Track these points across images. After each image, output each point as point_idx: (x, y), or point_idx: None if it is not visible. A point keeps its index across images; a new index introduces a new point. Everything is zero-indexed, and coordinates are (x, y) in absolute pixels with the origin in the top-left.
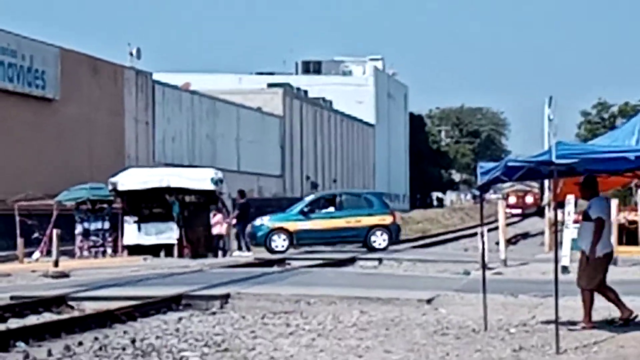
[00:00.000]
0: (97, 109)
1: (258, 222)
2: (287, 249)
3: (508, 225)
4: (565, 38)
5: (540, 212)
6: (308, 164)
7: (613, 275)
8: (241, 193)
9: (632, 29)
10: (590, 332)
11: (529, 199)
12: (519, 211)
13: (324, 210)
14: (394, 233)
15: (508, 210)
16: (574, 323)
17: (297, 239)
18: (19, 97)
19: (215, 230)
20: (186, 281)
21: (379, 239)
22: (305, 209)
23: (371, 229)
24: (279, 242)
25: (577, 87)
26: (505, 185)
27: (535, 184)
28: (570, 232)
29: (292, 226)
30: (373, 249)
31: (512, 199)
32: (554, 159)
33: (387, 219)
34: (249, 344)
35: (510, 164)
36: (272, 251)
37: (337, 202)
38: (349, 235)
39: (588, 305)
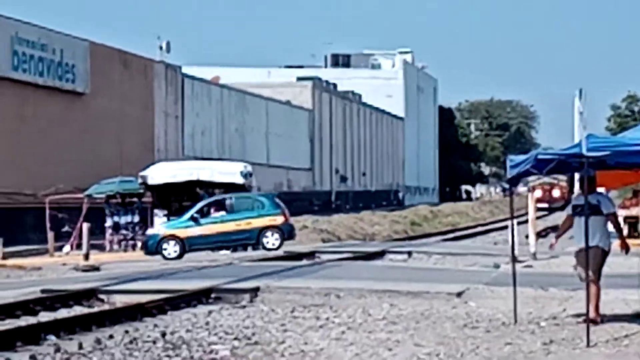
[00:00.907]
0: (126, 103)
1: (150, 231)
2: (180, 255)
3: (538, 218)
4: (596, 31)
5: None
6: (337, 157)
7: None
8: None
9: None
10: (621, 325)
11: (556, 193)
12: (545, 205)
13: (214, 215)
14: (286, 233)
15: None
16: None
17: (188, 245)
18: (49, 91)
19: None
20: (216, 274)
21: (271, 240)
22: (196, 215)
23: (262, 230)
24: (170, 249)
25: (606, 81)
26: (531, 179)
27: (563, 177)
28: None
29: (183, 233)
30: (267, 250)
31: (538, 193)
32: (584, 151)
33: (278, 219)
34: (279, 337)
35: (540, 156)
36: (165, 258)
37: (228, 205)
38: (240, 238)
39: (597, 298)
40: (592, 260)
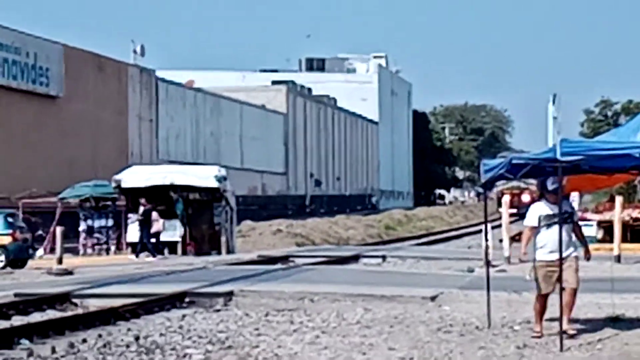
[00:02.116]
0: (101, 107)
1: None
2: None
3: (512, 222)
4: (569, 36)
5: None
6: (312, 161)
7: (617, 272)
8: (145, 199)
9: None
10: (594, 329)
11: (526, 198)
12: (513, 211)
13: None
14: (11, 253)
15: (501, 210)
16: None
17: None
18: (22, 95)
19: (154, 228)
20: (190, 279)
21: None
22: None
23: None
24: None
25: (580, 86)
26: (500, 183)
27: (533, 181)
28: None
29: None
30: None
31: (506, 198)
32: (558, 156)
33: (5, 240)
34: (253, 341)
35: (514, 161)
36: None
37: None
38: None
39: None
40: (576, 271)
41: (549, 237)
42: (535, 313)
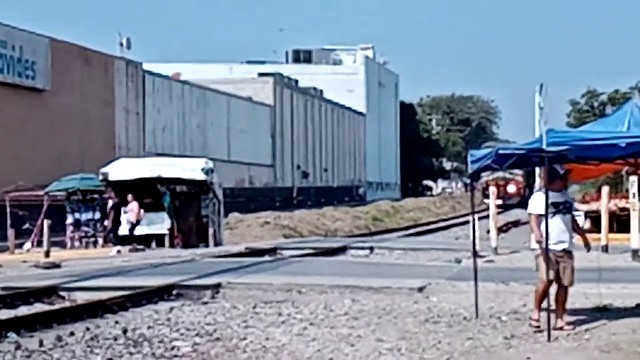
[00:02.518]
0: (87, 100)
1: None
2: None
3: (499, 213)
4: (555, 27)
5: (524, 204)
6: (299, 153)
7: (604, 262)
8: (112, 194)
9: (621, 18)
10: (582, 319)
11: (511, 189)
12: (498, 202)
13: None
14: None
15: (487, 201)
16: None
17: None
18: (9, 88)
19: (131, 218)
20: (177, 271)
21: None
22: None
23: None
24: None
25: (566, 76)
26: (485, 174)
27: (519, 172)
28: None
29: None
30: None
31: (492, 189)
32: (544, 146)
33: None
34: (241, 334)
35: (501, 151)
36: None
37: None
38: None
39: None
40: (572, 271)
41: (554, 227)
42: (536, 301)
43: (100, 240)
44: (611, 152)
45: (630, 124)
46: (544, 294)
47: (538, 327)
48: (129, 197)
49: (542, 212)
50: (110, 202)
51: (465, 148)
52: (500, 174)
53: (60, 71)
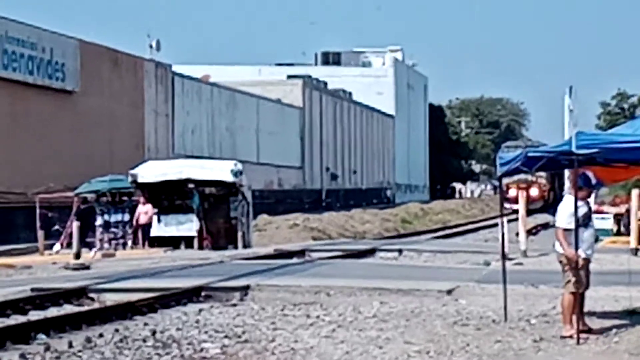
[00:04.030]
0: (116, 101)
1: None
2: None
3: (528, 215)
4: (585, 28)
5: (547, 208)
6: (328, 155)
7: (634, 265)
8: (83, 200)
9: None
10: (611, 322)
11: (534, 192)
12: (515, 207)
13: None
14: None
15: (508, 205)
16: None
17: None
18: (39, 90)
19: (142, 220)
20: (206, 273)
21: None
22: None
23: None
24: None
25: (596, 78)
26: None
27: (543, 174)
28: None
29: None
30: None
31: (513, 192)
32: (574, 149)
33: None
34: (269, 336)
35: (530, 154)
36: None
37: None
38: None
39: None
40: (583, 272)
41: (584, 235)
42: (567, 312)
43: (130, 242)
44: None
45: None
46: (577, 304)
47: (580, 337)
48: (142, 199)
49: (572, 227)
50: (79, 207)
51: (494, 150)
52: (522, 175)
53: (89, 73)
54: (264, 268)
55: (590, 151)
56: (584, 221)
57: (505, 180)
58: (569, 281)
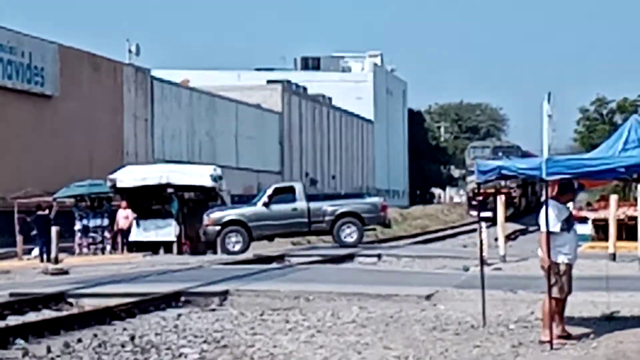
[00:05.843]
0: (96, 106)
1: None
2: None
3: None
4: (564, 34)
5: (517, 217)
6: (307, 160)
7: (612, 270)
8: (38, 207)
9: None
10: (589, 328)
11: (502, 199)
12: (488, 214)
13: None
14: None
15: (473, 213)
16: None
17: None
18: (18, 94)
19: (122, 224)
20: (185, 278)
21: None
22: None
23: None
24: None
25: (575, 84)
26: (470, 179)
27: (514, 181)
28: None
29: None
30: None
31: (480, 198)
32: (544, 176)
33: None
34: (248, 341)
35: (503, 171)
36: None
37: None
38: None
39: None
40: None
41: (567, 240)
42: (547, 317)
43: (108, 247)
44: (612, 175)
45: (628, 141)
46: (560, 309)
47: (549, 341)
48: (123, 203)
49: (558, 229)
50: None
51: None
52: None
53: (68, 77)
54: (243, 273)
55: (560, 177)
56: (566, 226)
57: (469, 185)
58: (552, 286)
